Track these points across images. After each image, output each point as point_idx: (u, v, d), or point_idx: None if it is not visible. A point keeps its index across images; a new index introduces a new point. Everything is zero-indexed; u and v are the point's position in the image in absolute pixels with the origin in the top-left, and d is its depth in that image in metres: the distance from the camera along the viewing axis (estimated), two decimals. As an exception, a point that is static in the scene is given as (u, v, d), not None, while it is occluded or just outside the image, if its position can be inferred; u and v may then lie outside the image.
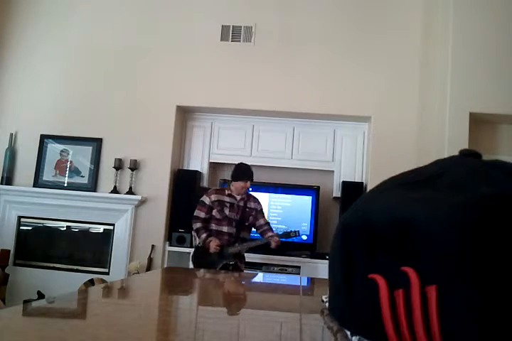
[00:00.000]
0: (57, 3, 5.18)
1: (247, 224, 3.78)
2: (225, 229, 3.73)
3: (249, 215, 3.79)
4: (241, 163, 3.92)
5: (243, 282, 1.89)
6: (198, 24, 4.99)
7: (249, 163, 4.95)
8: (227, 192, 3.80)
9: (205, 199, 3.80)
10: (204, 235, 3.71)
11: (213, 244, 3.64)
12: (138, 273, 4.32)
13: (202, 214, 3.76)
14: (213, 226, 3.75)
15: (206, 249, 3.69)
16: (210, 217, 3.76)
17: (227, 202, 3.75)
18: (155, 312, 0.98)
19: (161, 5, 5.06)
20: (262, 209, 3.90)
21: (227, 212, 3.73)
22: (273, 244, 3.72)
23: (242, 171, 3.78)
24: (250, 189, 3.95)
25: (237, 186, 3.76)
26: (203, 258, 3.75)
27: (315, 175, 5.03)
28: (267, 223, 3.88)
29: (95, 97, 4.98)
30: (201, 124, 5.12)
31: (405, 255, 0.39)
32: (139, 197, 4.76)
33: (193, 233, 4.12)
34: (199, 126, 5.12)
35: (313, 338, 0.82)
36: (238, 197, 3.78)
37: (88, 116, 4.96)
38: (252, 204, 3.81)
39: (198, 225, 3.76)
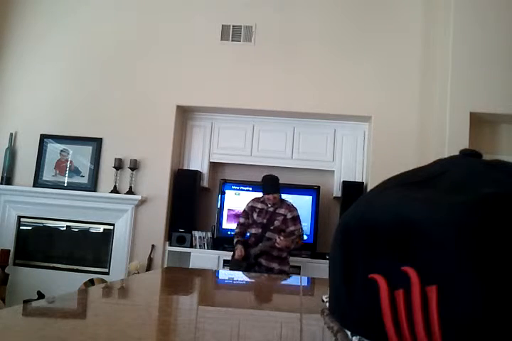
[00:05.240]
0: (57, 3, 5.18)
1: (272, 227, 3.96)
2: (253, 230, 4.02)
3: (274, 220, 3.98)
4: (264, 177, 4.14)
5: (241, 282, 1.89)
6: (198, 24, 4.99)
7: (249, 163, 5.00)
8: (261, 199, 4.08)
9: (245, 206, 4.15)
10: (235, 240, 4.06)
11: (238, 252, 3.95)
12: (138, 273, 4.32)
13: (241, 220, 4.13)
14: (249, 230, 4.09)
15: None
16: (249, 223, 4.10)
17: (258, 208, 4.05)
18: (155, 312, 0.98)
19: (160, 5, 5.06)
20: (294, 217, 4.02)
21: (255, 216, 4.03)
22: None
23: (266, 186, 4.04)
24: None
25: (266, 198, 4.03)
26: (234, 261, 4.03)
27: (315, 175, 5.03)
28: (296, 230, 3.97)
29: (95, 97, 4.98)
30: (201, 124, 5.11)
31: (406, 255, 0.39)
32: (139, 197, 4.76)
33: None
34: (199, 126, 5.12)
35: (313, 338, 0.82)
36: (270, 204, 4.02)
37: (88, 116, 4.95)
38: (281, 211, 4.02)
39: (236, 230, 4.13)
